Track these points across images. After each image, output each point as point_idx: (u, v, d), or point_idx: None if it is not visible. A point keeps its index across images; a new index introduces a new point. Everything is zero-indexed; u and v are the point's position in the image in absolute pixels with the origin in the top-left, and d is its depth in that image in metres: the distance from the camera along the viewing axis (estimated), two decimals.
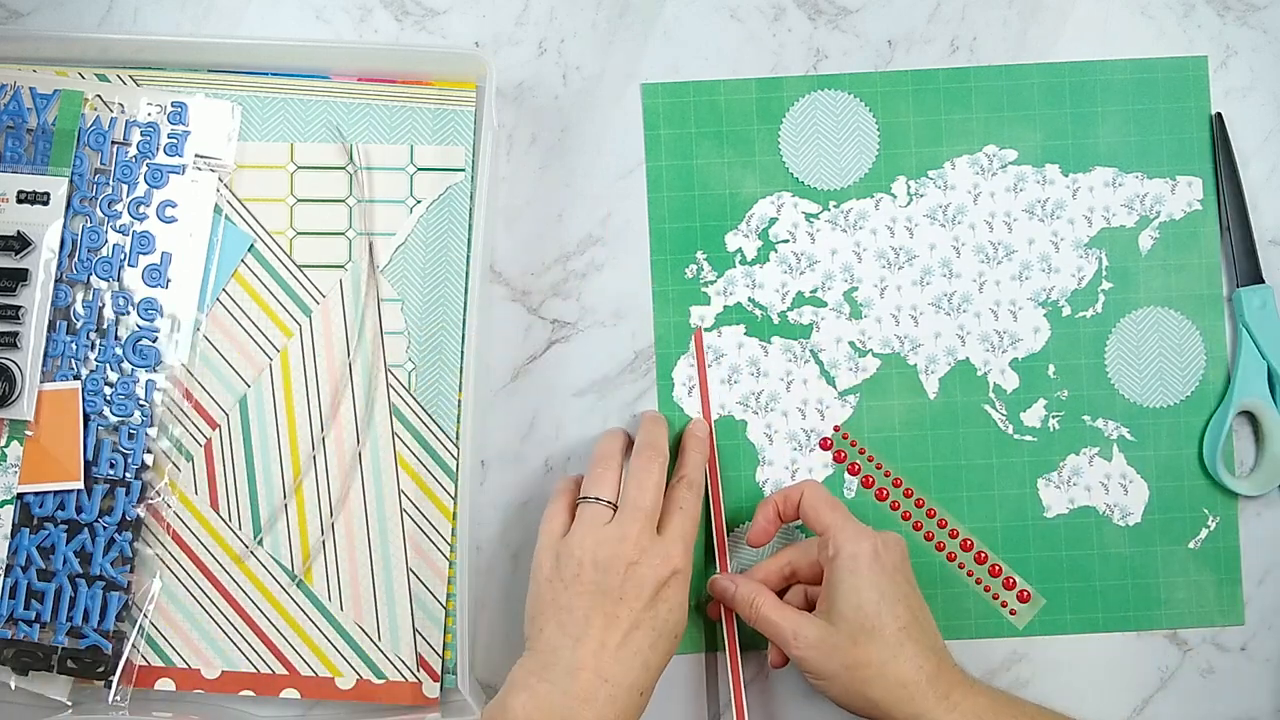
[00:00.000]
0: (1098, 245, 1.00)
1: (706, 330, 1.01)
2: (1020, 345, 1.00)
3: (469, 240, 0.99)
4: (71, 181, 0.97)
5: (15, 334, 0.96)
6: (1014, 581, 0.99)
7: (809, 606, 0.94)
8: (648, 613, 0.88)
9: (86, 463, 0.96)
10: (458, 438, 0.98)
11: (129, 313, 0.97)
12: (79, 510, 0.96)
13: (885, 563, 0.90)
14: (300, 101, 0.99)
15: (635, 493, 0.91)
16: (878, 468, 1.00)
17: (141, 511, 0.97)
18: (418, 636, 0.97)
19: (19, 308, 0.96)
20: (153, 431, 0.97)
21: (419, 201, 0.99)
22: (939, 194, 1.01)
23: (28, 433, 0.96)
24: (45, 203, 0.96)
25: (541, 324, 1.01)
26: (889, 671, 0.88)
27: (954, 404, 1.00)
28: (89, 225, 0.97)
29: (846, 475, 1.00)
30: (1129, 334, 1.00)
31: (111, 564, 0.96)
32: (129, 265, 0.97)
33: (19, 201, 0.96)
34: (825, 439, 1.00)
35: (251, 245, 0.99)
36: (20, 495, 0.96)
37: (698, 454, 0.97)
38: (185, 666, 0.97)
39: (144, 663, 0.97)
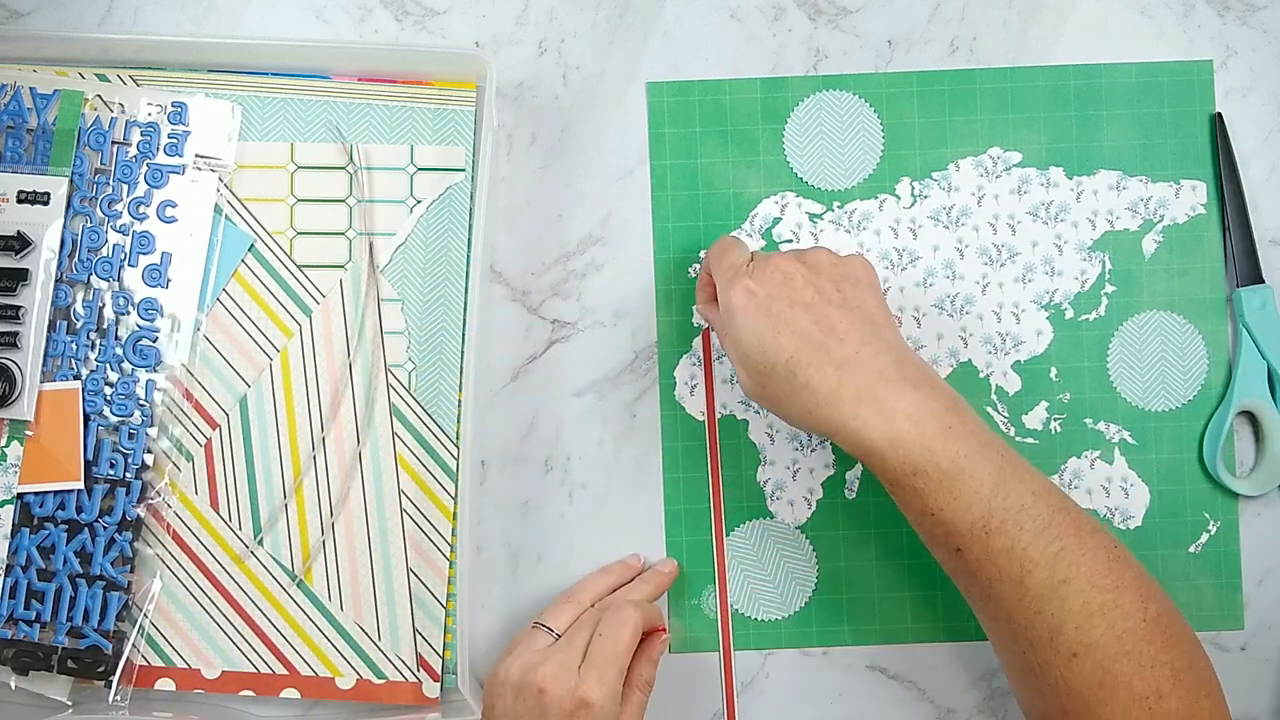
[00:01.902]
0: (1101, 248, 1.00)
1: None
2: (1023, 348, 1.00)
3: (469, 240, 0.99)
4: (71, 181, 0.97)
5: (15, 334, 0.95)
6: None
7: None
8: None
9: (86, 463, 0.96)
10: (458, 438, 0.98)
11: (129, 313, 0.97)
12: (79, 510, 0.96)
13: (759, 299, 0.86)
14: (300, 101, 0.99)
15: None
16: None
17: (141, 511, 0.97)
18: (418, 636, 0.97)
19: (19, 308, 0.96)
20: (153, 431, 0.97)
21: (419, 201, 0.99)
22: (943, 195, 1.01)
23: (28, 433, 0.96)
24: (45, 203, 0.96)
25: (541, 324, 1.01)
26: (797, 401, 0.85)
27: None
28: (89, 225, 0.97)
29: (847, 475, 1.00)
30: (1131, 337, 1.00)
31: (111, 564, 0.96)
32: (129, 265, 0.97)
33: (19, 201, 0.96)
34: None
35: (251, 245, 0.99)
36: (20, 495, 0.96)
37: (648, 661, 0.94)
38: (185, 666, 0.97)
39: (144, 663, 0.97)
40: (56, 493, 0.96)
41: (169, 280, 0.97)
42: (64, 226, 0.96)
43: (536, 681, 0.86)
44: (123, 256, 0.97)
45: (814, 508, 1.00)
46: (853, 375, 0.84)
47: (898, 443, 0.82)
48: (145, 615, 0.97)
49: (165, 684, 0.97)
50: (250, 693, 0.97)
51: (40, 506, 0.96)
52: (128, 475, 0.96)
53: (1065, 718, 0.84)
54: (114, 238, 0.97)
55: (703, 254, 1.00)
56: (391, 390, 0.98)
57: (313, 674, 0.97)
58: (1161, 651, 0.82)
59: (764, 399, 0.88)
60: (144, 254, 0.97)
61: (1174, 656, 0.82)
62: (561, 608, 0.94)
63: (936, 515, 0.84)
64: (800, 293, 0.86)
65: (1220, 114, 1.01)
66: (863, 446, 0.83)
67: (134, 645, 0.97)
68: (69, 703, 0.97)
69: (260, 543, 0.98)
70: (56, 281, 0.96)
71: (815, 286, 0.87)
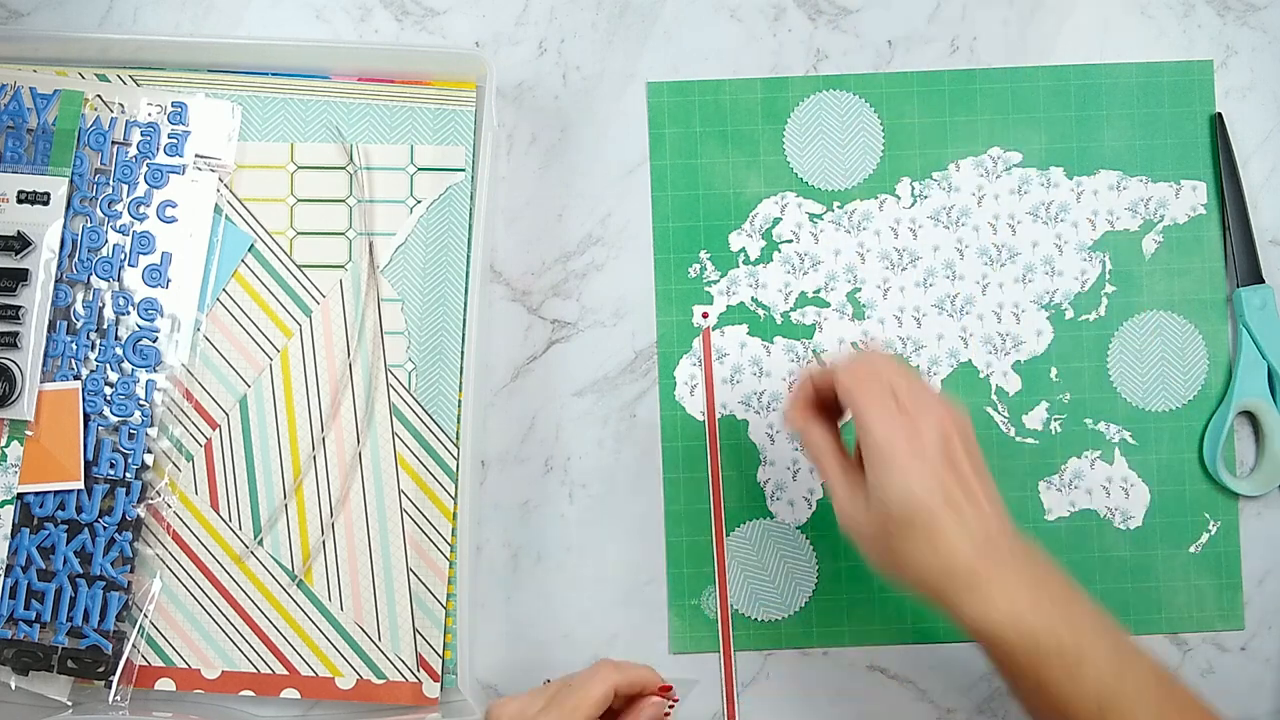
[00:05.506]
0: (1101, 248, 1.00)
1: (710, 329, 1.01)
2: (1023, 348, 1.00)
3: (469, 240, 0.99)
4: (71, 181, 0.97)
5: (15, 334, 0.95)
6: None
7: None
8: None
9: (87, 463, 0.96)
10: (458, 438, 0.98)
11: (129, 313, 0.97)
12: (79, 510, 0.96)
13: (920, 447, 0.81)
14: (300, 101, 0.99)
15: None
16: None
17: (141, 511, 0.97)
18: (418, 636, 0.97)
19: (19, 308, 0.95)
20: (153, 431, 0.97)
21: (419, 201, 0.99)
22: (943, 196, 1.01)
23: (28, 433, 0.96)
24: (45, 203, 0.96)
25: (541, 324, 1.01)
26: (916, 561, 0.81)
27: None
28: (89, 225, 0.97)
29: None
30: (1132, 337, 1.00)
31: (111, 564, 0.96)
32: (129, 265, 0.97)
33: (19, 201, 0.96)
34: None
35: (251, 245, 0.99)
36: (20, 495, 0.96)
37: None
38: (185, 666, 0.97)
39: (144, 663, 0.97)
40: (56, 493, 0.96)
41: (169, 280, 0.97)
42: (64, 226, 0.96)
43: (493, 717, 0.84)
44: (123, 256, 0.97)
45: (814, 508, 1.00)
46: (980, 549, 0.81)
47: (1020, 620, 0.80)
48: (145, 615, 0.97)
49: (165, 684, 0.97)
50: (250, 693, 0.97)
51: (40, 506, 0.96)
52: (128, 475, 0.96)
53: None
54: (114, 238, 0.97)
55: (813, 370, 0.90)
56: (391, 390, 0.98)
57: (313, 674, 0.97)
58: None
59: (875, 544, 0.84)
60: (144, 254, 0.97)
61: None
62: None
63: (1054, 692, 0.80)
64: (953, 449, 0.82)
65: (1220, 114, 1.01)
66: (978, 623, 0.80)
67: (134, 645, 0.97)
68: (69, 703, 0.96)
69: (260, 543, 0.98)
70: (56, 281, 0.96)
71: (965, 443, 0.83)
